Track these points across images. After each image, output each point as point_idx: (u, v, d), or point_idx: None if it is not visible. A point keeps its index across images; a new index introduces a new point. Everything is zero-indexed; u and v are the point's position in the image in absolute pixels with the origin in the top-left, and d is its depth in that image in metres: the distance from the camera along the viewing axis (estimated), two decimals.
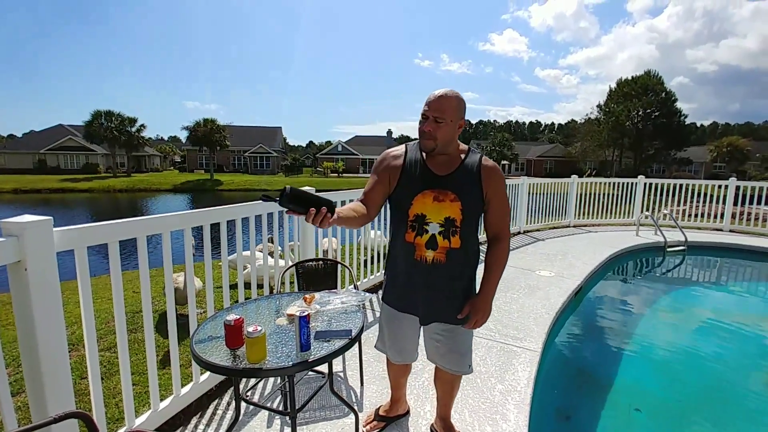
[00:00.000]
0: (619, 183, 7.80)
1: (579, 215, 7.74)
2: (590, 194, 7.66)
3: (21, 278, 1.27)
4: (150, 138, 48.49)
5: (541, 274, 4.36)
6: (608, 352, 3.15)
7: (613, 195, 7.83)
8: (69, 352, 2.66)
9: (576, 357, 3.13)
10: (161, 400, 1.87)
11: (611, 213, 7.88)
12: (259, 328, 1.26)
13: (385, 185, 1.50)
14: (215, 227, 2.12)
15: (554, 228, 7.33)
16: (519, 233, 6.76)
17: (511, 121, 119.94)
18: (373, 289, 3.79)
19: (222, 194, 30.72)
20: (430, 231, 1.43)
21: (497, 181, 1.45)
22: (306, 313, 1.32)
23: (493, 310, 3.31)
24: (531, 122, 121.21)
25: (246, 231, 2.38)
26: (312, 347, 1.36)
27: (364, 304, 1.63)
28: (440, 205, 1.42)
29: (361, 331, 1.56)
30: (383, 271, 1.66)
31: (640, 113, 37.05)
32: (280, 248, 3.55)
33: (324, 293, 1.80)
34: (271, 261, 3.73)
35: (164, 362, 2.46)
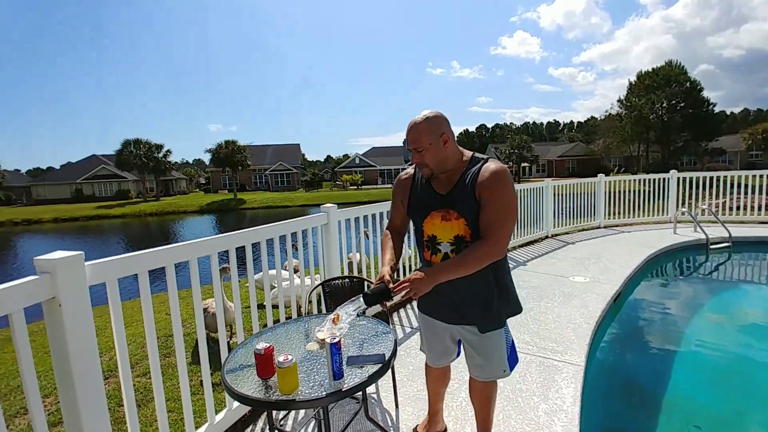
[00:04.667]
0: (650, 179, 7.45)
1: (609, 215, 7.42)
2: (619, 192, 7.35)
3: (55, 314, 1.28)
4: (176, 162, 50.57)
5: (575, 280, 4.16)
6: (657, 363, 2.94)
7: (644, 192, 7.48)
8: (107, 379, 2.72)
9: (622, 370, 2.93)
10: (197, 428, 1.85)
11: (644, 211, 7.51)
12: (289, 357, 1.22)
13: (401, 208, 1.62)
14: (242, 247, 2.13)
15: (583, 230, 7.05)
16: (547, 237, 6.54)
17: (528, 122, 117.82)
18: (403, 303, 3.71)
19: (246, 213, 31.50)
20: (443, 250, 1.47)
21: (491, 184, 1.36)
22: (337, 339, 1.27)
23: (527, 320, 3.16)
24: (549, 122, 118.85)
25: (271, 251, 2.38)
26: (345, 374, 1.31)
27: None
28: (448, 225, 1.44)
29: (394, 354, 1.49)
30: None
31: (665, 105, 35.70)
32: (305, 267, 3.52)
33: (341, 308, 1.67)
34: (297, 280, 3.72)
35: (199, 386, 2.46)
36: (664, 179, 7.32)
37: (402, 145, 56.70)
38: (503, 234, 1.38)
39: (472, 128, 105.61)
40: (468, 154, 1.47)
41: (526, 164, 45.91)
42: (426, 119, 1.39)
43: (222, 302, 2.02)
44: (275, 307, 2.59)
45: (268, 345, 1.34)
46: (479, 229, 1.40)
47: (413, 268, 4.09)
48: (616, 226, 7.28)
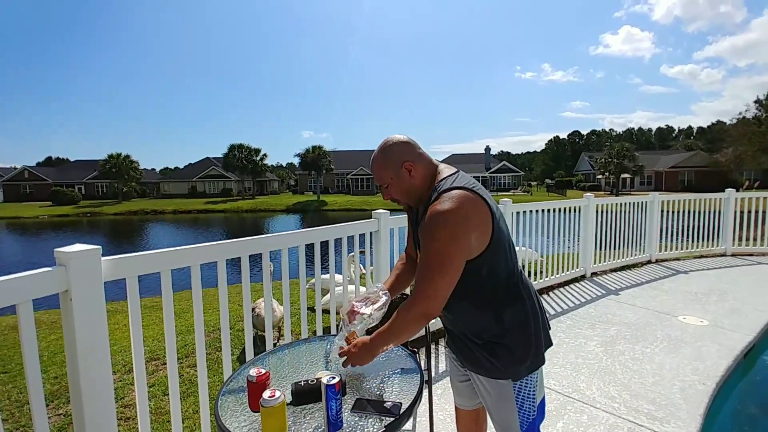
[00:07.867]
0: None
1: (739, 241, 5.94)
2: (756, 213, 5.83)
3: (67, 307, 1.26)
4: (271, 165, 55.83)
5: (686, 321, 3.29)
6: None
7: None
8: (154, 369, 2.84)
9: None
10: None
11: None
12: (277, 394, 1.00)
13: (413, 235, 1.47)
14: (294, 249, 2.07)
15: (702, 257, 5.74)
16: (650, 262, 5.45)
17: (632, 128, 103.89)
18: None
19: (327, 214, 33.20)
20: None
21: (425, 227, 1.11)
22: (335, 380, 1.01)
23: (615, 367, 2.55)
24: (660, 128, 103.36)
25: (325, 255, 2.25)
26: (345, 424, 1.05)
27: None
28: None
29: (416, 402, 1.18)
30: None
31: None
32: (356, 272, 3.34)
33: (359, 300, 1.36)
34: (351, 287, 3.56)
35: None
36: None
37: (483, 152, 54.61)
38: (425, 291, 1.09)
39: (563, 135, 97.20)
40: (443, 174, 1.21)
41: (626, 175, 40.43)
42: (382, 152, 1.24)
43: (244, 304, 1.91)
44: (310, 309, 2.45)
45: (264, 371, 1.15)
46: None
47: None
48: (750, 254, 5.78)
